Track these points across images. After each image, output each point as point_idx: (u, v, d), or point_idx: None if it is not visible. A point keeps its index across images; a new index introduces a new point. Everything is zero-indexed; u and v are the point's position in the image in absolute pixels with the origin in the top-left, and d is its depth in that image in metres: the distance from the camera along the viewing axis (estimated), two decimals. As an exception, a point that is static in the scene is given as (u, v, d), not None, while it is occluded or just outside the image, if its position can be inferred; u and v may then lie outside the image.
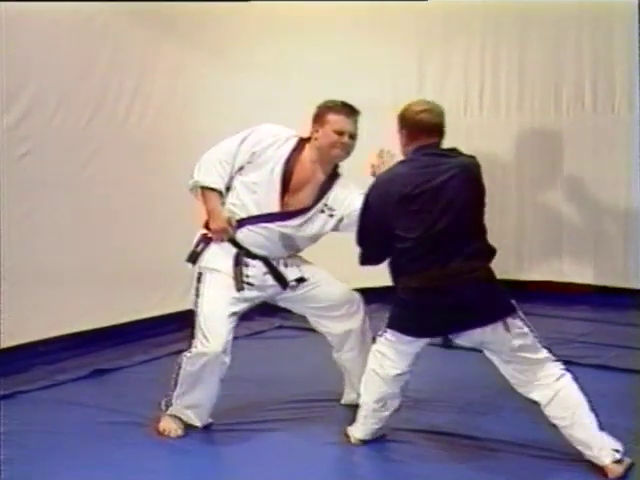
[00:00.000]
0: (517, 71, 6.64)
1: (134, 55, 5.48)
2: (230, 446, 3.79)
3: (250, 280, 3.86)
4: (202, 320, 3.77)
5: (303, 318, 4.17)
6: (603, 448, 3.40)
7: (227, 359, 3.78)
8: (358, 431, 3.75)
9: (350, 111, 3.86)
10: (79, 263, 5.19)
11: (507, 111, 6.70)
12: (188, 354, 3.78)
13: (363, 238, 3.62)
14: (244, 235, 3.87)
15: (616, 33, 6.18)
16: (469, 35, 6.66)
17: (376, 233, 3.56)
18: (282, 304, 4.12)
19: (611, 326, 5.75)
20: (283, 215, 3.86)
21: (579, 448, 3.45)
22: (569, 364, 4.63)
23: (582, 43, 6.38)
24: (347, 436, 3.78)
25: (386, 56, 6.52)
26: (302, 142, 3.92)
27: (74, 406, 4.28)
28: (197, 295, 3.85)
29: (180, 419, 3.90)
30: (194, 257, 3.91)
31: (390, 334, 3.60)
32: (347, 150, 3.88)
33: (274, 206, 3.85)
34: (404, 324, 3.55)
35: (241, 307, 3.87)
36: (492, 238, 3.56)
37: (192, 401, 3.86)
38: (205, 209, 3.90)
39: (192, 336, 3.79)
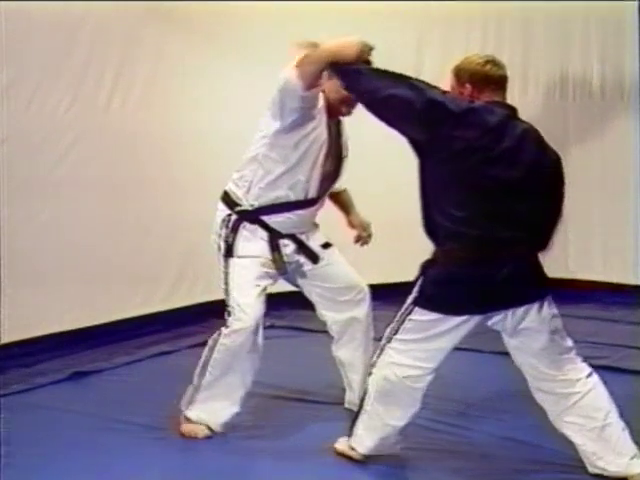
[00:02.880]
0: (521, 55, 6.65)
1: (115, 39, 5.47)
2: (222, 452, 3.80)
3: (285, 259, 3.93)
4: (235, 296, 3.83)
5: (296, 317, 4.19)
6: (637, 456, 3.37)
7: (260, 340, 3.86)
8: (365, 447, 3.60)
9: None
10: (57, 261, 5.20)
11: (510, 98, 6.68)
12: (225, 331, 3.82)
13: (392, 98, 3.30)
14: (281, 221, 3.89)
15: (626, 16, 6.19)
16: (470, 17, 6.66)
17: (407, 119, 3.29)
18: (293, 280, 4.11)
19: (620, 325, 5.78)
20: (322, 198, 3.94)
21: (597, 456, 3.38)
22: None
23: (590, 26, 6.40)
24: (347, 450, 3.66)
25: (381, 33, 6.48)
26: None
27: (52, 411, 4.27)
28: (226, 276, 3.89)
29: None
30: (230, 251, 3.90)
31: (418, 320, 3.37)
32: (352, 108, 3.81)
33: (315, 192, 3.88)
34: (449, 300, 3.33)
35: (268, 282, 3.93)
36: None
37: (222, 389, 3.87)
38: (324, 57, 3.50)
39: (225, 316, 3.85)
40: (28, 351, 5.00)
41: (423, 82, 3.34)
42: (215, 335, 3.88)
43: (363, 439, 3.57)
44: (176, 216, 5.78)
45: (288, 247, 3.95)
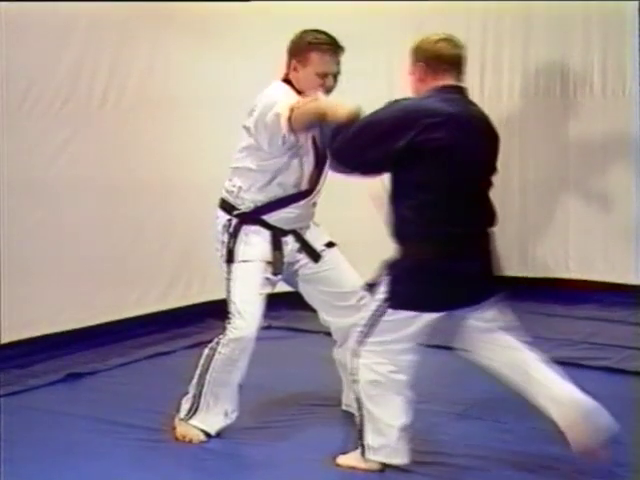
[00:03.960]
0: (521, 50, 6.65)
1: (108, 38, 5.47)
2: (219, 455, 3.81)
3: (286, 259, 3.94)
4: (237, 303, 3.85)
5: (293, 318, 4.20)
6: None
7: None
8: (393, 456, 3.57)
9: (335, 49, 3.77)
10: (51, 262, 5.20)
11: (509, 94, 6.71)
12: (224, 340, 3.84)
13: (361, 138, 3.39)
14: (279, 218, 3.90)
15: (627, 12, 6.20)
16: (469, 11, 6.65)
17: (382, 148, 3.34)
18: (295, 284, 4.13)
19: (621, 326, 5.78)
20: (315, 187, 3.94)
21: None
22: (577, 366, 4.71)
23: (591, 21, 6.40)
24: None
25: (378, 29, 6.48)
26: (292, 88, 3.82)
27: (46, 413, 4.28)
28: (228, 282, 3.90)
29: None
30: (231, 256, 3.91)
31: (392, 320, 3.42)
32: (329, 91, 3.81)
33: (307, 184, 3.90)
34: (423, 298, 3.39)
35: (268, 289, 3.95)
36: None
37: (223, 399, 3.90)
38: (314, 114, 3.57)
39: (225, 321, 3.87)
40: (21, 352, 5.00)
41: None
42: (213, 344, 3.89)
43: (375, 448, 3.54)
44: (171, 215, 5.78)
45: (289, 245, 3.96)
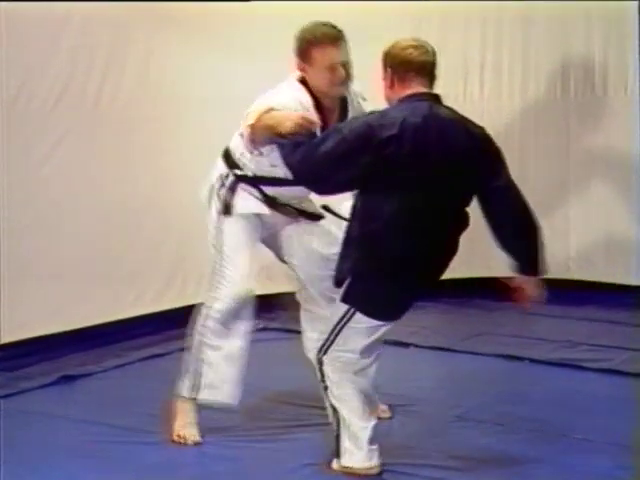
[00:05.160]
0: (521, 49, 6.64)
1: (103, 36, 5.44)
2: (214, 456, 3.80)
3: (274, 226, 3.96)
4: (230, 256, 3.85)
5: (289, 319, 4.19)
6: None
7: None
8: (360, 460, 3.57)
9: (333, 37, 3.71)
10: (44, 262, 5.17)
11: (510, 94, 6.71)
12: (216, 294, 3.86)
13: (329, 158, 3.37)
14: (275, 191, 3.89)
15: (628, 10, 6.19)
16: (468, 11, 6.65)
17: (345, 165, 3.34)
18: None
19: (622, 327, 5.77)
20: None
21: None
22: (577, 368, 4.70)
23: (591, 19, 6.39)
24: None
25: (376, 30, 6.47)
26: (307, 88, 3.77)
27: (39, 416, 4.27)
28: (220, 233, 3.90)
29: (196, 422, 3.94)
30: (228, 209, 3.89)
31: (355, 327, 3.47)
32: (346, 82, 3.77)
33: None
34: (386, 308, 3.48)
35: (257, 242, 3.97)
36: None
37: (226, 363, 3.91)
38: (261, 126, 3.53)
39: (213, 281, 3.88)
40: (14, 354, 4.97)
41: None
42: (203, 311, 3.90)
43: (352, 451, 3.54)
44: (167, 216, 5.77)
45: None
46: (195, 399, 3.92)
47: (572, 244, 6.56)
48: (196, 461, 3.78)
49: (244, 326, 3.93)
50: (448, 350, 5.11)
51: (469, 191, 3.48)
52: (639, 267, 6.30)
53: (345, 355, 3.50)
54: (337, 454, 3.57)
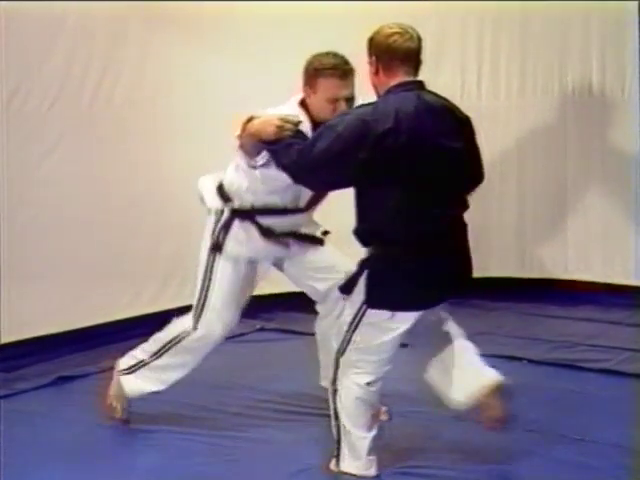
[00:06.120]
0: (519, 50, 6.64)
1: (99, 36, 5.45)
2: (209, 455, 3.81)
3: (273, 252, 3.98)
4: (213, 301, 3.89)
5: (286, 320, 4.19)
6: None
7: None
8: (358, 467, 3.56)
9: (343, 73, 3.68)
10: (40, 262, 5.18)
11: (507, 94, 6.70)
12: (194, 335, 3.91)
13: (323, 158, 3.35)
14: (272, 222, 3.90)
15: (626, 11, 6.19)
16: (466, 11, 6.64)
17: (343, 163, 3.33)
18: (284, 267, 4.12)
19: (620, 327, 5.77)
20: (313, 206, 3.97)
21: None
22: (575, 368, 4.70)
23: (589, 20, 6.39)
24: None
25: (372, 30, 6.46)
26: (307, 112, 3.77)
27: (35, 417, 4.27)
28: (209, 271, 3.92)
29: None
30: (219, 247, 3.91)
31: (371, 323, 3.43)
32: (350, 101, 3.76)
33: (305, 202, 3.92)
34: (394, 297, 3.41)
35: (249, 292, 4.02)
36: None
37: (170, 371, 4.03)
38: (249, 136, 3.56)
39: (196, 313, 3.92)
40: (10, 355, 4.97)
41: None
42: (186, 327, 3.94)
43: (350, 459, 3.54)
44: (164, 216, 5.77)
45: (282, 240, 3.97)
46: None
47: (570, 245, 6.56)
48: (193, 462, 3.77)
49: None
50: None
51: (461, 174, 3.49)
52: (637, 267, 6.30)
53: (360, 357, 3.47)
54: (337, 456, 3.57)
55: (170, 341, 3.98)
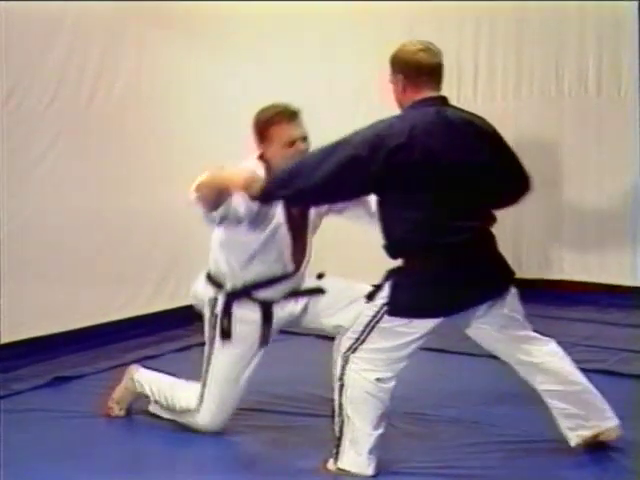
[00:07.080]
0: (514, 51, 6.66)
1: (96, 35, 5.46)
2: (209, 456, 3.82)
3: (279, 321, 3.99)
4: (214, 390, 3.90)
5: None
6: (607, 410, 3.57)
7: None
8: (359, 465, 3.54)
9: (290, 115, 3.80)
10: (37, 263, 5.18)
11: (503, 95, 6.72)
12: (194, 412, 3.94)
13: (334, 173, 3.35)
14: (267, 294, 3.92)
15: (623, 10, 6.21)
16: (461, 11, 6.65)
17: (355, 173, 3.34)
18: (305, 324, 4.14)
19: (617, 328, 5.79)
20: (301, 263, 3.96)
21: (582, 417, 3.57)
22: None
23: (585, 20, 6.41)
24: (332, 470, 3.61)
25: (369, 30, 6.47)
26: (266, 164, 3.84)
27: (31, 418, 4.26)
28: (212, 357, 3.93)
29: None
30: (228, 334, 3.91)
31: (388, 327, 3.46)
32: (305, 144, 3.83)
33: (291, 266, 3.91)
34: (422, 304, 3.44)
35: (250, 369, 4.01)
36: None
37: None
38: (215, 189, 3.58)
39: (201, 393, 3.93)
40: (6, 356, 4.97)
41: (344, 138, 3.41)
42: (191, 405, 3.95)
43: (350, 456, 3.53)
44: (160, 217, 5.77)
45: (286, 307, 3.98)
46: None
47: (566, 245, 6.58)
48: (192, 461, 3.78)
49: None
50: (445, 352, 5.10)
51: (490, 187, 3.51)
52: (633, 268, 6.32)
53: (373, 355, 3.49)
54: (335, 455, 3.56)
55: (175, 409, 4.01)
